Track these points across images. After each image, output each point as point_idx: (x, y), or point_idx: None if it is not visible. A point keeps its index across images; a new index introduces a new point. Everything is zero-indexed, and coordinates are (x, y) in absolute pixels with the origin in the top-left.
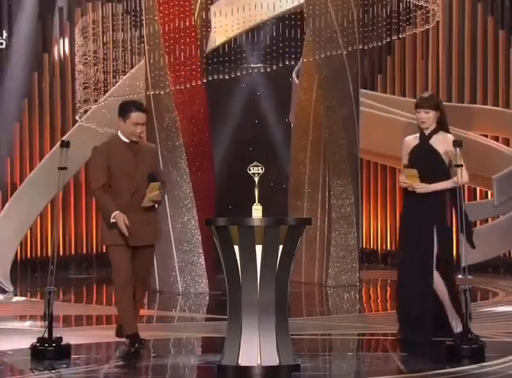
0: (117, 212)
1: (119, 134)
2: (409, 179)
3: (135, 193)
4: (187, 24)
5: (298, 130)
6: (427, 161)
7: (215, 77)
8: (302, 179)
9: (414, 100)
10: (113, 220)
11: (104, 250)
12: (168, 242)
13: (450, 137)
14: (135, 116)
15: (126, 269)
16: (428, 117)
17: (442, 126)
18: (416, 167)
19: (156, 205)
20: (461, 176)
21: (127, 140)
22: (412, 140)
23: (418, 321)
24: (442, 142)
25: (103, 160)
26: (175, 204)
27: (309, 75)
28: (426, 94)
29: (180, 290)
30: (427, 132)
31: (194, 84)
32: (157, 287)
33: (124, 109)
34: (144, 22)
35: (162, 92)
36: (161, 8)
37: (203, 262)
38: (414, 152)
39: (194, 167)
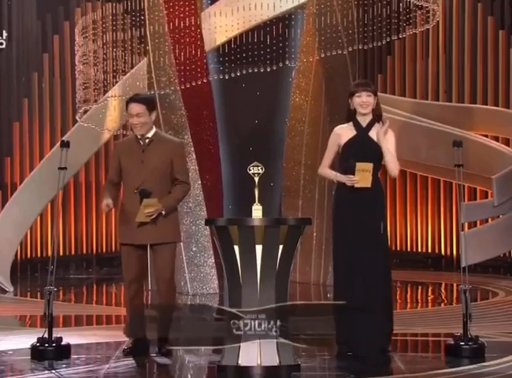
0: (105, 200)
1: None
2: (363, 175)
3: (138, 189)
4: (192, 22)
5: (293, 130)
6: (367, 154)
7: (215, 77)
8: (298, 179)
9: (414, 100)
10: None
11: (104, 250)
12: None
13: (390, 131)
14: (129, 107)
15: (131, 269)
16: (370, 101)
17: (378, 117)
18: (353, 159)
19: (163, 212)
20: (395, 169)
21: (139, 135)
22: (346, 130)
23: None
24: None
25: (115, 156)
26: (184, 204)
27: (304, 76)
28: (364, 80)
29: (190, 291)
30: (364, 123)
31: (200, 83)
32: None
33: (126, 104)
34: (147, 21)
35: (162, 92)
36: (166, 6)
37: (213, 263)
38: (352, 143)
39: (203, 167)
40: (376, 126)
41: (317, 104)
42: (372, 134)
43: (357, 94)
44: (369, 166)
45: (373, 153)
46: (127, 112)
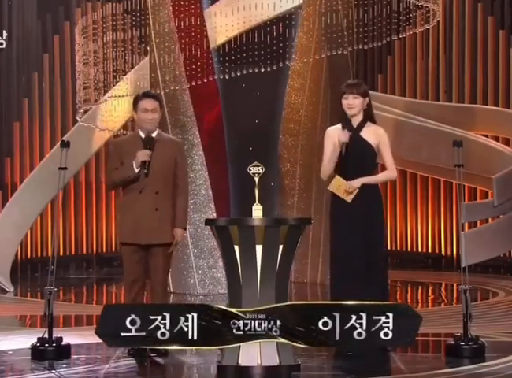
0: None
1: (139, 130)
2: (341, 189)
3: (143, 189)
4: (199, 20)
5: (288, 130)
6: (359, 155)
7: (215, 77)
8: (294, 179)
9: (414, 100)
10: (137, 167)
11: (104, 250)
12: (186, 244)
13: (381, 129)
14: (143, 102)
15: (132, 269)
16: (357, 103)
17: (369, 117)
18: (347, 161)
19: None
20: (393, 178)
21: (143, 135)
22: (338, 132)
23: None
24: (374, 135)
25: (116, 157)
26: (193, 205)
27: (300, 76)
28: (354, 81)
29: (199, 291)
30: (355, 124)
31: (208, 83)
32: (171, 289)
33: (134, 101)
34: (151, 20)
35: (163, 92)
36: (174, 4)
37: (221, 263)
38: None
39: (211, 167)
40: (368, 125)
41: (313, 104)
42: (364, 133)
43: (344, 96)
44: (341, 181)
45: (367, 152)
46: (138, 107)
